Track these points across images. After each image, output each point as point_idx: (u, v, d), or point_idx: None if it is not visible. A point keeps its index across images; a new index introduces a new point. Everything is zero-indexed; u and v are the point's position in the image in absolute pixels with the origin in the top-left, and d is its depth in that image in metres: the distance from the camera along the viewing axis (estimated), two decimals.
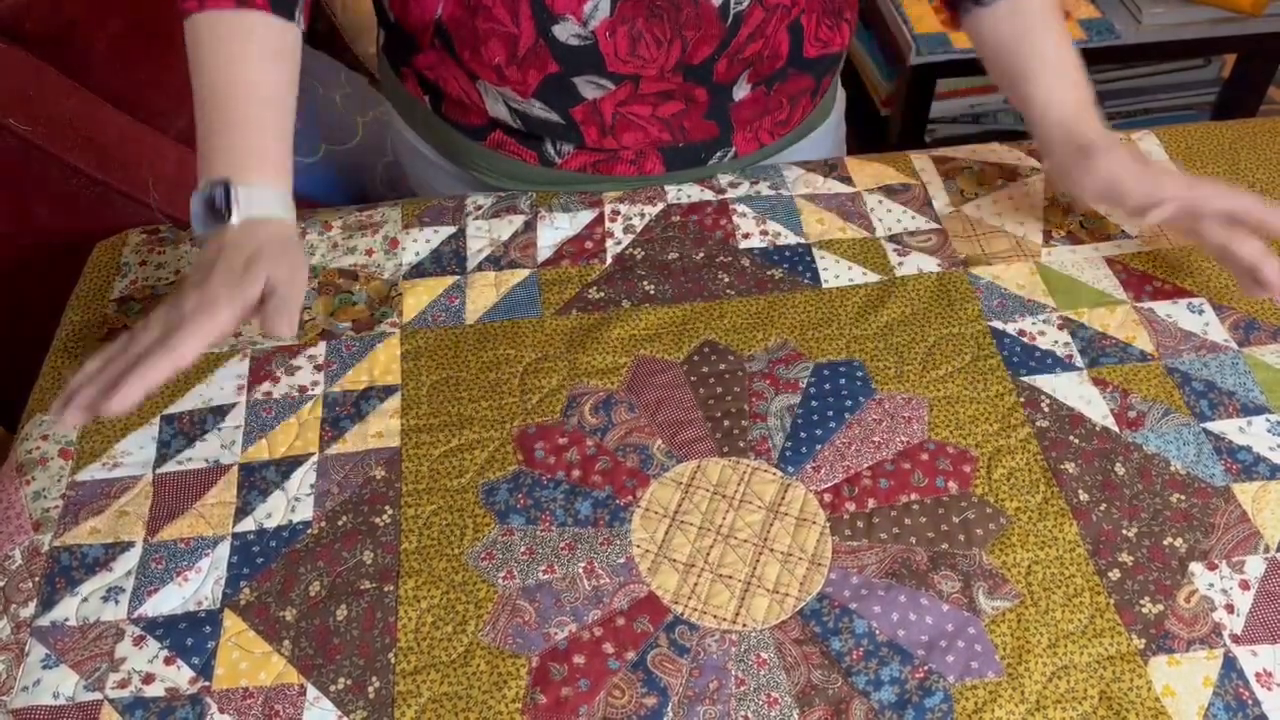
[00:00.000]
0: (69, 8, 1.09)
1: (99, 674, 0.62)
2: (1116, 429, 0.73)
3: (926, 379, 0.77)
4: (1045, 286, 0.82)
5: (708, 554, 0.67)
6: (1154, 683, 0.61)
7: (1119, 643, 0.63)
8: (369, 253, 0.86)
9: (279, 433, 0.74)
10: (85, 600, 0.66)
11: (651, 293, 0.83)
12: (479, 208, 0.90)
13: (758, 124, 0.90)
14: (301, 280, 0.70)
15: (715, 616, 0.64)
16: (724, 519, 0.69)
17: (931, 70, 1.89)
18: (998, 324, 0.80)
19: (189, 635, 0.64)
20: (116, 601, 0.66)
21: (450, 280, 0.84)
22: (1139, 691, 0.61)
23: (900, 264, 0.84)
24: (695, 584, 0.66)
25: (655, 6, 0.77)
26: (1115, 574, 0.66)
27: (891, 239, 0.87)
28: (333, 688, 0.62)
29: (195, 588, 0.66)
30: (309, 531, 0.69)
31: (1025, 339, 0.79)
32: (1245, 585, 0.65)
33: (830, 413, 0.75)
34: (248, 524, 0.69)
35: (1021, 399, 0.75)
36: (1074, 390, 0.75)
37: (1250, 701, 0.60)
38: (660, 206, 0.89)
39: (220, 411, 0.76)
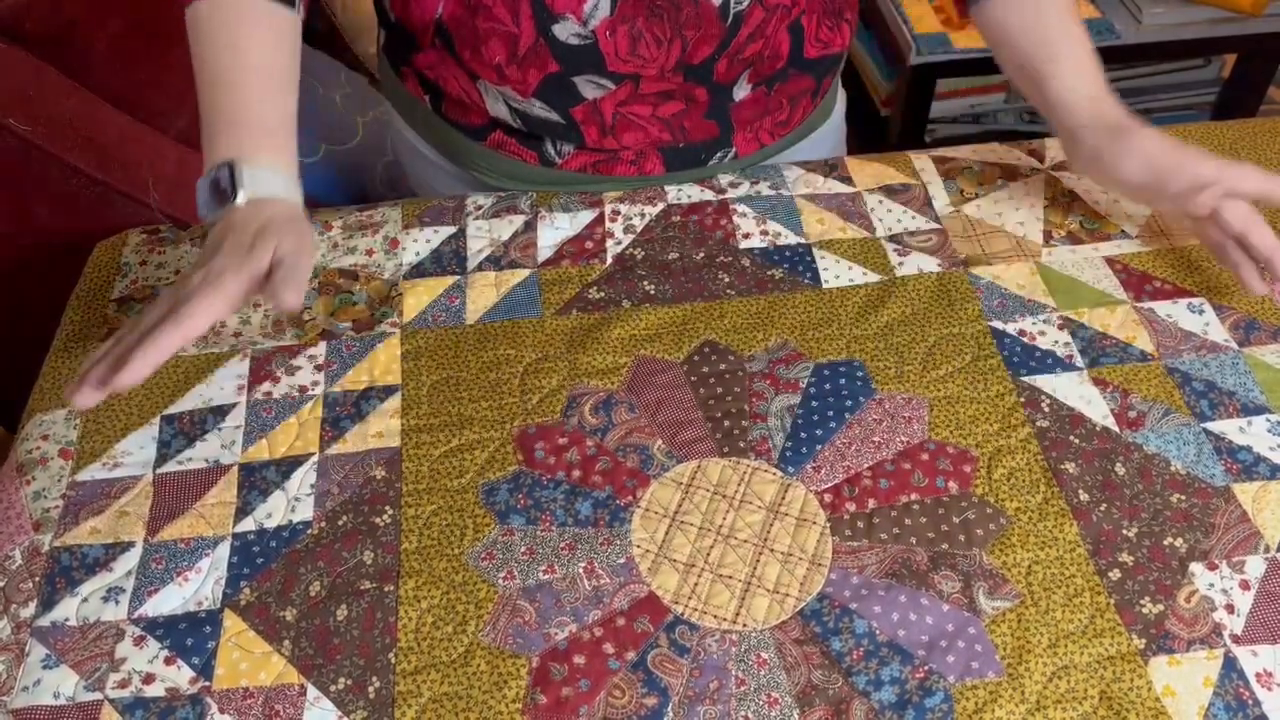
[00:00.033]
0: (69, 8, 1.09)
1: (99, 674, 0.62)
2: (1117, 429, 0.73)
3: (927, 379, 0.77)
4: (1045, 286, 0.82)
5: (708, 554, 0.67)
6: (1154, 683, 0.61)
7: (1119, 643, 0.63)
8: (369, 253, 0.86)
9: (279, 433, 0.74)
10: (85, 600, 0.66)
11: (652, 293, 0.83)
12: (479, 208, 0.90)
13: (758, 124, 0.90)
14: (309, 252, 0.70)
15: (715, 617, 0.64)
16: (724, 519, 0.69)
17: (931, 70, 1.89)
18: (998, 324, 0.80)
19: (189, 635, 0.64)
20: (117, 602, 0.66)
21: (450, 280, 0.84)
22: (1139, 692, 0.61)
23: (900, 264, 0.84)
24: (695, 584, 0.66)
25: (655, 6, 0.77)
26: (1115, 574, 0.66)
27: (892, 239, 0.87)
28: (333, 688, 0.62)
29: (195, 588, 0.66)
30: (309, 531, 0.69)
31: (1025, 339, 0.79)
32: (1245, 585, 0.65)
33: (830, 413, 0.75)
34: (248, 524, 0.69)
35: (1022, 399, 0.75)
36: (1074, 390, 0.75)
37: (1250, 701, 0.60)
38: (660, 206, 0.89)
39: (220, 411, 0.76)
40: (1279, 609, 0.64)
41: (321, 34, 1.69)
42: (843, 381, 0.77)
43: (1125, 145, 0.77)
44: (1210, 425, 0.73)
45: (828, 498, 0.70)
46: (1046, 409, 0.74)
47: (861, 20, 2.08)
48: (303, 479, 0.72)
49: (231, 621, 0.65)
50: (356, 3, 1.69)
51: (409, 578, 0.66)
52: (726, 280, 0.84)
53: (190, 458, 0.73)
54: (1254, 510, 0.68)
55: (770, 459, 0.72)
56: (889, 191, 0.91)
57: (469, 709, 0.61)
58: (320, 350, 0.79)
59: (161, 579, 0.67)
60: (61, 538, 0.69)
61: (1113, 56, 1.83)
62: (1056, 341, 0.78)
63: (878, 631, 0.63)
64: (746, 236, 0.87)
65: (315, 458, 0.73)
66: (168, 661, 0.63)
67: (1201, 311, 0.80)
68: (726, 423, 0.74)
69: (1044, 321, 0.80)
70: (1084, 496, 0.69)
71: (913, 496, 0.70)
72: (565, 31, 0.78)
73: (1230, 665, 0.61)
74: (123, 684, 0.62)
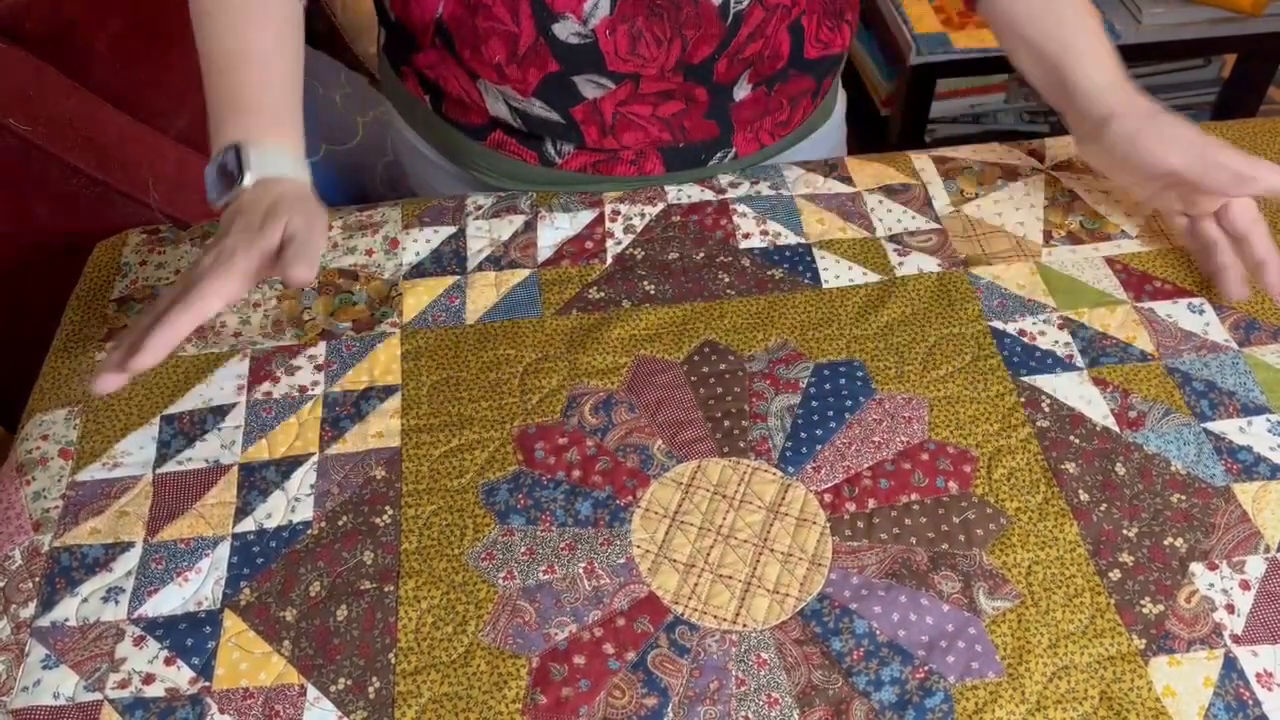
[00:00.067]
0: (69, 8, 1.09)
1: (99, 674, 0.62)
2: (1117, 429, 0.73)
3: (927, 379, 0.77)
4: (1045, 286, 0.82)
5: (708, 554, 0.67)
6: (1154, 683, 0.61)
7: (1119, 643, 0.63)
8: (369, 253, 0.86)
9: (279, 433, 0.74)
10: (85, 600, 0.66)
11: (652, 293, 0.83)
12: (479, 208, 0.90)
13: (758, 124, 0.90)
14: (321, 228, 0.70)
15: (715, 617, 0.64)
16: (724, 519, 0.69)
17: (931, 70, 1.89)
18: (998, 324, 0.80)
19: (189, 635, 0.64)
20: (116, 602, 0.66)
21: (450, 280, 0.84)
22: (1139, 692, 0.61)
23: (900, 264, 0.84)
24: (695, 584, 0.66)
25: (655, 5, 0.77)
26: (1116, 574, 0.66)
27: (892, 239, 0.87)
28: (333, 688, 0.62)
29: (195, 588, 0.66)
30: (309, 532, 0.69)
31: (1025, 339, 0.79)
32: (1246, 585, 0.65)
33: (830, 413, 0.75)
34: (248, 524, 0.69)
35: (1022, 399, 0.75)
36: (1074, 390, 0.75)
37: (1251, 702, 0.60)
38: (660, 206, 0.89)
39: (220, 411, 0.76)
40: (1279, 609, 0.64)
41: (321, 34, 1.69)
42: (843, 381, 0.77)
43: (1167, 132, 0.77)
44: (1210, 425, 0.73)
45: (828, 498, 0.70)
46: (1047, 409, 0.74)
47: (861, 20, 2.08)
48: (303, 479, 0.72)
49: (231, 622, 0.65)
50: (356, 3, 1.69)
51: (409, 578, 0.66)
52: (726, 280, 0.84)
53: (190, 458, 0.73)
54: (1254, 510, 0.68)
55: (770, 459, 0.72)
56: (889, 191, 0.91)
57: (469, 709, 0.61)
58: (320, 350, 0.79)
59: (161, 579, 0.67)
60: (61, 538, 0.69)
61: None
62: (1057, 341, 0.78)
63: (878, 632, 0.63)
64: (746, 236, 0.87)
65: (315, 458, 0.73)
66: (168, 662, 0.63)
67: (1202, 311, 0.80)
68: (726, 423, 0.74)
69: (1044, 321, 0.80)
70: (1084, 496, 0.69)
71: (913, 496, 0.70)
72: (565, 31, 0.78)
73: (1230, 665, 0.61)
74: (122, 684, 0.62)
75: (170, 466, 0.72)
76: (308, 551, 0.68)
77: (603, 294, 0.83)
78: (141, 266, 0.86)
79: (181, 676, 0.62)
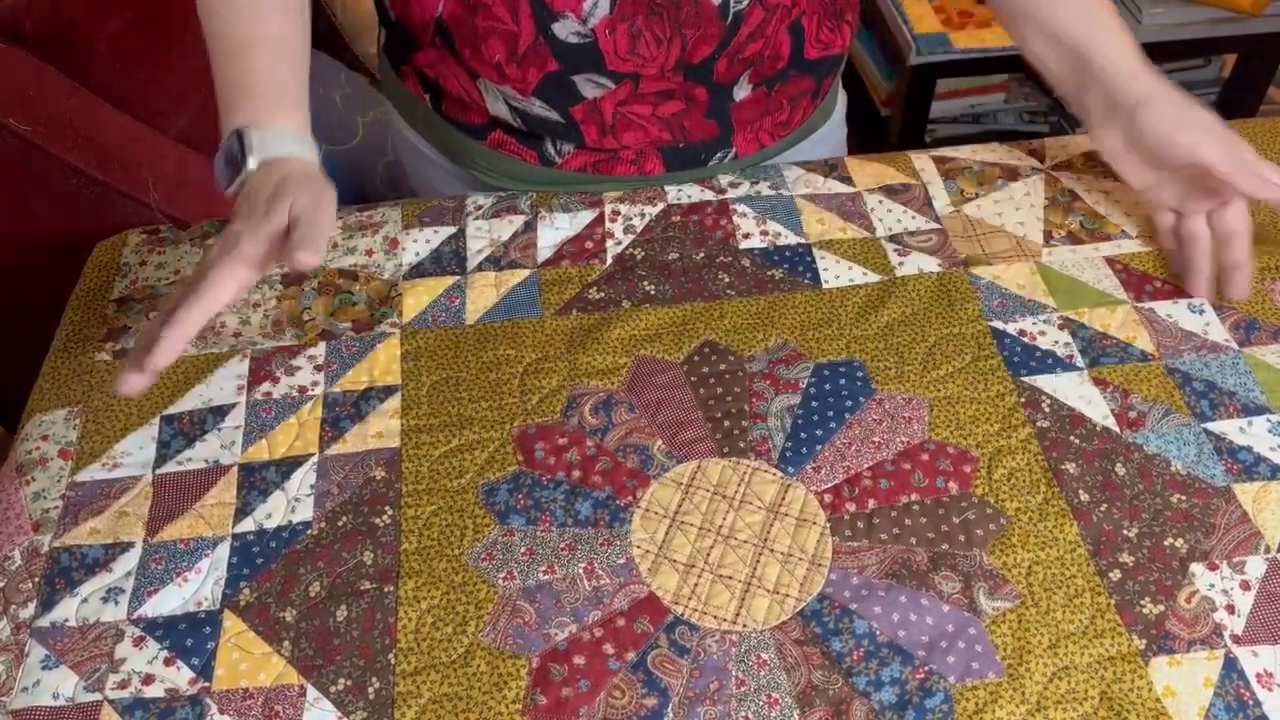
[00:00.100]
0: (69, 8, 1.09)
1: (99, 675, 0.62)
2: (1117, 429, 0.73)
3: (927, 379, 0.77)
4: (1045, 286, 0.82)
5: (708, 554, 0.67)
6: (1155, 683, 0.61)
7: (1120, 643, 0.62)
8: (369, 253, 0.86)
9: (279, 433, 0.74)
10: (85, 601, 0.66)
11: (652, 293, 0.83)
12: (479, 208, 0.90)
13: (758, 125, 0.90)
14: (327, 207, 0.69)
15: (715, 617, 0.64)
16: (724, 519, 0.69)
17: (931, 70, 1.89)
18: (998, 324, 0.80)
19: (189, 636, 0.64)
20: (116, 602, 0.66)
21: (450, 280, 0.84)
22: (1140, 692, 0.61)
23: (900, 264, 0.84)
24: (695, 584, 0.66)
25: (655, 5, 0.77)
26: (1116, 574, 0.65)
27: (892, 239, 0.87)
28: (333, 688, 0.62)
29: (195, 588, 0.66)
30: (309, 532, 0.69)
31: (1026, 339, 0.79)
32: (1246, 586, 0.65)
33: (830, 413, 0.75)
34: (247, 524, 0.69)
35: (1022, 399, 0.75)
36: (1074, 390, 0.75)
37: (1251, 702, 0.60)
38: (660, 206, 0.89)
39: (220, 412, 0.76)
40: (1279, 609, 0.64)
41: (321, 34, 1.69)
42: (843, 382, 0.76)
43: (1201, 123, 0.77)
44: (1211, 425, 0.73)
45: (828, 498, 0.70)
46: (1047, 409, 0.74)
47: (861, 20, 2.08)
48: (302, 479, 0.72)
49: (231, 622, 0.65)
50: (356, 3, 1.69)
51: (409, 578, 0.66)
52: (726, 280, 0.83)
53: (190, 458, 0.73)
54: (1254, 510, 0.68)
55: (770, 459, 0.72)
56: (889, 191, 0.91)
57: (469, 710, 0.61)
58: (320, 350, 0.79)
59: (161, 579, 0.67)
60: (61, 538, 0.69)
61: None
62: (1057, 341, 0.78)
63: (878, 632, 0.63)
64: (746, 236, 0.87)
65: (315, 458, 0.73)
66: (167, 662, 0.63)
67: (1202, 311, 0.80)
68: (726, 423, 0.74)
69: (1044, 321, 0.80)
70: (1084, 497, 0.69)
71: (913, 497, 0.70)
72: (565, 30, 0.78)
73: (1231, 666, 0.61)
74: (122, 685, 0.62)
75: (170, 467, 0.72)
76: (307, 552, 0.68)
77: (603, 294, 0.83)
78: (141, 267, 0.86)
79: (181, 677, 0.62)
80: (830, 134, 1.01)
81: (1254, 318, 0.80)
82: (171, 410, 0.76)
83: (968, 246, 0.86)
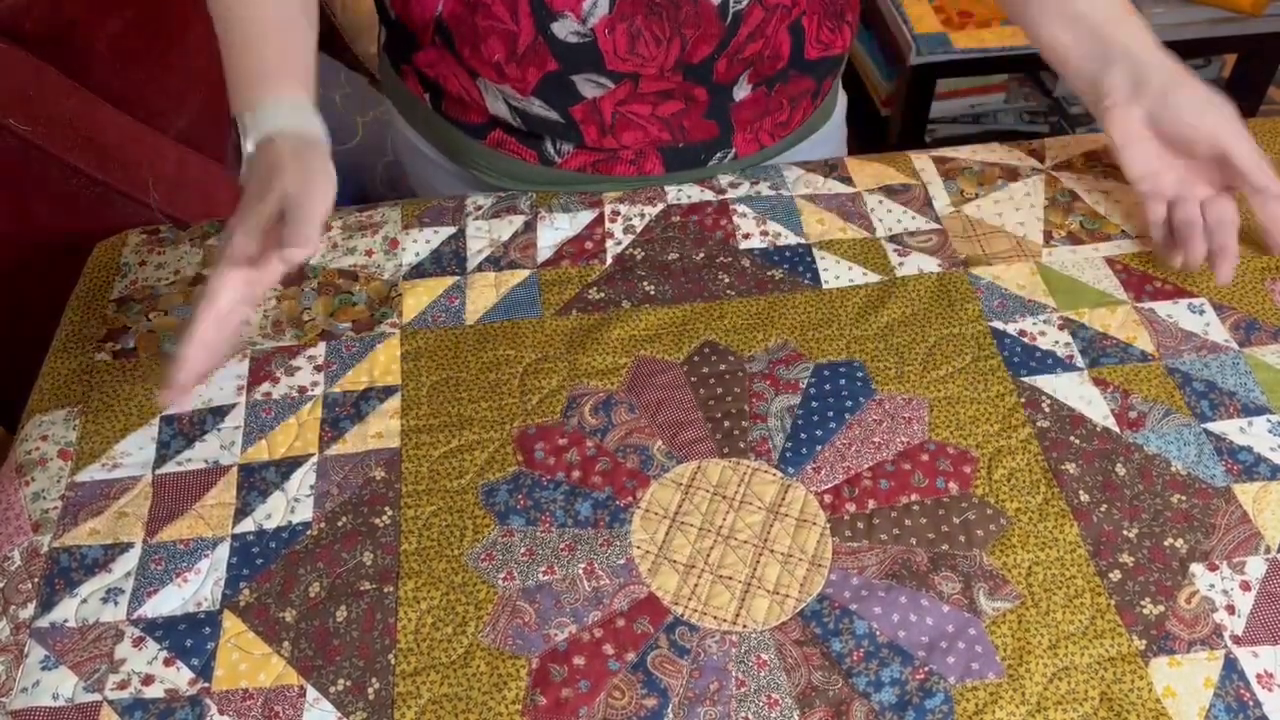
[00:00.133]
0: (69, 8, 1.09)
1: (98, 675, 0.62)
2: (1117, 429, 0.73)
3: (927, 379, 0.76)
4: (1046, 287, 0.82)
5: (708, 555, 0.67)
6: (1155, 684, 0.61)
7: (1120, 644, 0.62)
8: (369, 253, 0.86)
9: (278, 433, 0.74)
10: (84, 601, 0.66)
11: (651, 293, 0.83)
12: (479, 208, 0.90)
13: (758, 125, 0.90)
14: (320, 188, 0.67)
15: (715, 618, 0.64)
16: (724, 520, 0.69)
17: (931, 70, 1.89)
18: (998, 324, 0.80)
19: (188, 636, 0.64)
20: (116, 603, 0.65)
21: (450, 281, 0.84)
22: (1140, 693, 0.60)
23: (900, 264, 0.84)
24: (695, 585, 0.66)
25: (654, 4, 0.77)
26: (1116, 575, 0.65)
27: (892, 239, 0.86)
28: (332, 689, 0.62)
29: (195, 589, 0.66)
30: (309, 532, 0.69)
31: (1026, 339, 0.79)
32: (1246, 586, 0.65)
33: (830, 413, 0.75)
34: (247, 525, 0.69)
35: (1022, 399, 0.75)
36: (1075, 391, 0.75)
37: (1251, 703, 0.60)
38: (660, 207, 0.89)
39: (220, 412, 0.76)
40: (1279, 610, 0.64)
41: (322, 34, 1.69)
42: (843, 382, 0.76)
43: (1227, 113, 0.78)
44: (1211, 426, 0.73)
45: (828, 498, 0.70)
46: (1047, 409, 0.74)
47: (861, 20, 2.08)
48: (302, 480, 0.72)
49: (231, 622, 0.65)
50: (356, 3, 1.69)
51: (408, 579, 0.66)
52: (726, 280, 0.83)
53: (189, 458, 0.73)
54: (1254, 511, 0.68)
55: (770, 459, 0.72)
56: (889, 192, 0.91)
57: (468, 710, 0.61)
58: (320, 351, 0.79)
59: (161, 580, 0.67)
60: (60, 539, 0.69)
61: None
62: (1057, 342, 0.78)
63: (878, 632, 0.63)
64: (746, 237, 0.87)
65: (315, 458, 0.73)
66: (167, 663, 0.63)
67: (1202, 312, 0.80)
68: (726, 423, 0.74)
69: (1044, 322, 0.80)
70: (1084, 497, 0.69)
71: (913, 497, 0.70)
72: (564, 29, 0.78)
73: (1231, 666, 0.61)
74: (122, 685, 0.62)
75: (170, 467, 0.72)
76: (307, 552, 0.68)
77: (603, 294, 0.83)
78: (141, 267, 0.86)
79: (181, 677, 0.62)
80: (830, 134, 1.01)
81: (1254, 318, 0.80)
82: (171, 410, 0.76)
83: (968, 247, 0.86)
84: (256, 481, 0.72)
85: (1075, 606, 0.64)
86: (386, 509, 0.70)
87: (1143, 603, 0.64)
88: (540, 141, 0.89)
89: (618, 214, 0.89)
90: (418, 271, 0.85)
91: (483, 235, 0.88)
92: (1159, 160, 0.81)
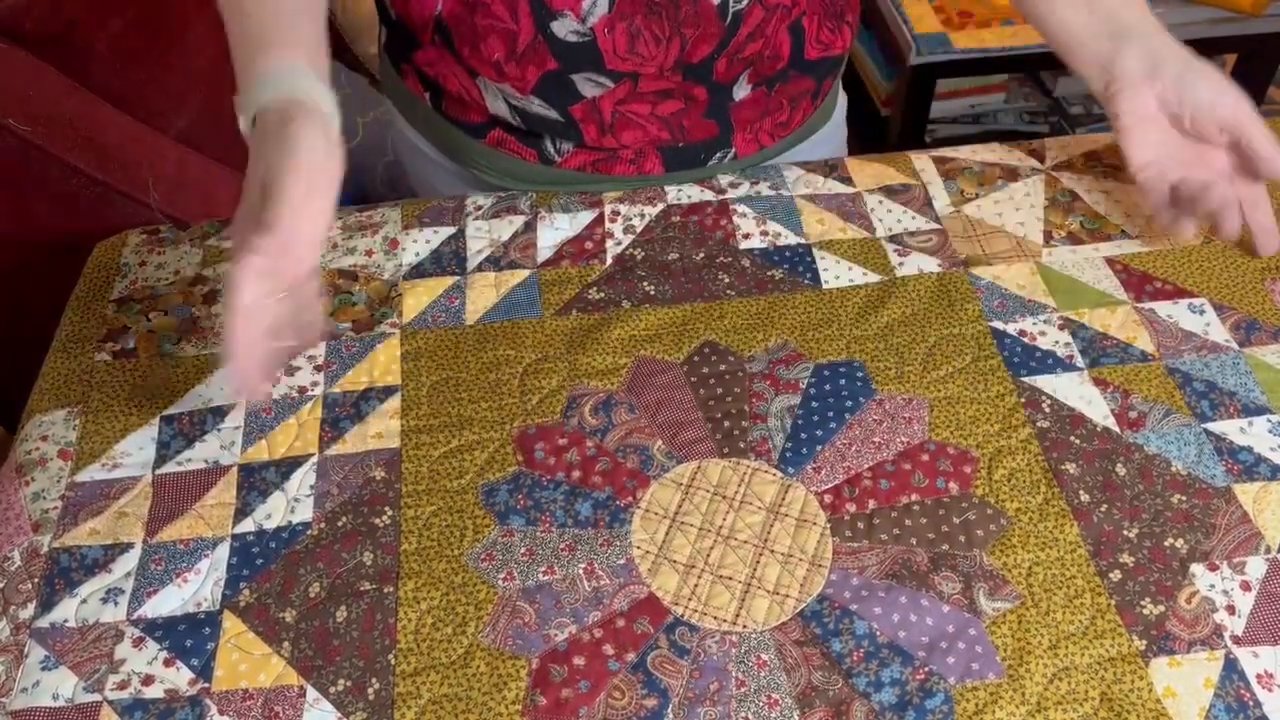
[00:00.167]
0: (69, 8, 1.09)
1: (98, 675, 0.62)
2: (1117, 429, 0.73)
3: (927, 379, 0.76)
4: (1046, 287, 0.82)
5: (708, 555, 0.67)
6: (1155, 684, 0.61)
7: (1120, 644, 0.62)
8: (369, 253, 0.86)
9: (278, 433, 0.74)
10: (84, 602, 0.66)
11: (651, 293, 0.83)
12: (479, 208, 0.90)
13: (758, 125, 0.90)
14: (296, 161, 0.64)
15: (715, 618, 0.64)
16: (724, 520, 0.69)
17: (931, 70, 1.89)
18: (998, 324, 0.80)
19: (188, 637, 0.64)
20: (116, 603, 0.65)
21: (450, 281, 0.84)
22: (1140, 693, 0.60)
23: (900, 264, 0.84)
24: (695, 585, 0.66)
25: (654, 4, 0.77)
26: (1116, 575, 0.65)
27: (892, 239, 0.86)
28: (332, 689, 0.62)
29: (195, 589, 0.66)
30: (309, 533, 0.69)
31: (1026, 339, 0.79)
32: (1246, 586, 0.65)
33: (830, 413, 0.75)
34: (247, 525, 0.69)
35: (1022, 399, 0.75)
36: (1075, 391, 0.75)
37: (1251, 703, 0.60)
38: (660, 207, 0.89)
39: (220, 412, 0.76)
40: (1279, 610, 0.64)
41: None
42: (843, 382, 0.76)
43: (1236, 90, 0.79)
44: (1211, 426, 0.73)
45: (828, 498, 0.70)
46: (1047, 409, 0.74)
47: (861, 20, 2.08)
48: (302, 480, 0.72)
49: (231, 623, 0.65)
50: (356, 3, 1.69)
51: (408, 579, 0.66)
52: (726, 280, 0.83)
53: (189, 458, 0.73)
54: (1255, 511, 0.68)
55: (770, 460, 0.72)
56: (889, 192, 0.91)
57: (468, 710, 0.61)
58: (320, 351, 0.79)
59: (161, 580, 0.67)
60: (60, 539, 0.69)
61: None
62: (1057, 342, 0.78)
63: (878, 633, 0.63)
64: (746, 237, 0.87)
65: (315, 458, 0.73)
66: (167, 663, 0.63)
67: (1202, 312, 0.80)
68: (726, 423, 0.74)
69: (1044, 322, 0.80)
70: (1084, 497, 0.69)
71: (913, 497, 0.70)
72: (564, 29, 0.78)
73: (1231, 666, 0.61)
74: (122, 685, 0.62)
75: (170, 467, 0.72)
76: (307, 552, 0.68)
77: (603, 294, 0.83)
78: (141, 267, 0.86)
79: (181, 678, 0.62)
80: (830, 135, 1.01)
81: (1254, 318, 0.80)
82: (171, 411, 0.76)
83: (968, 247, 0.86)
84: (256, 481, 0.72)
85: (1075, 607, 0.64)
86: (386, 509, 0.70)
87: (1143, 603, 0.64)
88: (540, 140, 0.89)
89: (618, 214, 0.89)
90: (418, 271, 0.85)
91: (483, 235, 0.88)
92: (1163, 147, 0.80)
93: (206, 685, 0.62)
